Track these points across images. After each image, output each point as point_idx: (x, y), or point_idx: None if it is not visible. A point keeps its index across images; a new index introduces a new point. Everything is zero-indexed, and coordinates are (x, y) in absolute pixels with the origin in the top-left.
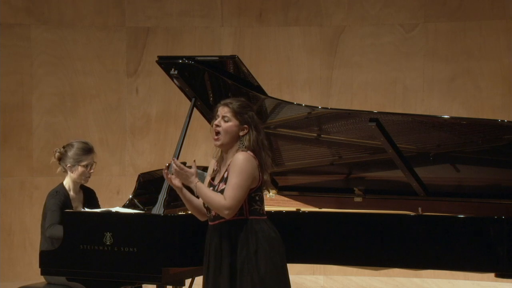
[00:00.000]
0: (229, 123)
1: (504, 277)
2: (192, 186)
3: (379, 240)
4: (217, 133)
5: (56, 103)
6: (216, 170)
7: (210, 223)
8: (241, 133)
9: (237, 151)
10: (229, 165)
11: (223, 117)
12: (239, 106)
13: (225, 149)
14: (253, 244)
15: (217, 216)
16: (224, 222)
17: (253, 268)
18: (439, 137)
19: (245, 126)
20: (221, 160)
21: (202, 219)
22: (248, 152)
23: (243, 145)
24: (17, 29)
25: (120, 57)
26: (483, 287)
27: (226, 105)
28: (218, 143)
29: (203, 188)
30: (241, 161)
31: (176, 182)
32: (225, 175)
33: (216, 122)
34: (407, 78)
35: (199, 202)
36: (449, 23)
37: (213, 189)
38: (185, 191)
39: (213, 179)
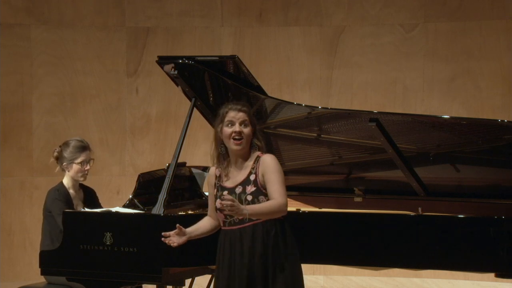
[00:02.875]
0: (248, 128)
1: (504, 277)
2: (245, 213)
3: (379, 240)
4: (240, 138)
5: (56, 103)
6: (222, 176)
7: (235, 227)
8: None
9: (251, 152)
10: (253, 168)
11: (243, 122)
12: (250, 109)
13: (241, 153)
14: (283, 244)
15: (247, 219)
16: (257, 224)
17: (285, 268)
18: (439, 137)
19: (253, 128)
20: (227, 166)
21: (215, 230)
22: (268, 154)
23: (256, 147)
24: (17, 29)
25: (120, 57)
26: (483, 287)
27: (240, 110)
28: (240, 147)
29: (254, 207)
30: (274, 161)
31: (179, 241)
32: (252, 178)
33: (237, 129)
34: (407, 78)
35: (207, 225)
36: (449, 23)
37: (236, 194)
38: (190, 234)
39: (221, 186)
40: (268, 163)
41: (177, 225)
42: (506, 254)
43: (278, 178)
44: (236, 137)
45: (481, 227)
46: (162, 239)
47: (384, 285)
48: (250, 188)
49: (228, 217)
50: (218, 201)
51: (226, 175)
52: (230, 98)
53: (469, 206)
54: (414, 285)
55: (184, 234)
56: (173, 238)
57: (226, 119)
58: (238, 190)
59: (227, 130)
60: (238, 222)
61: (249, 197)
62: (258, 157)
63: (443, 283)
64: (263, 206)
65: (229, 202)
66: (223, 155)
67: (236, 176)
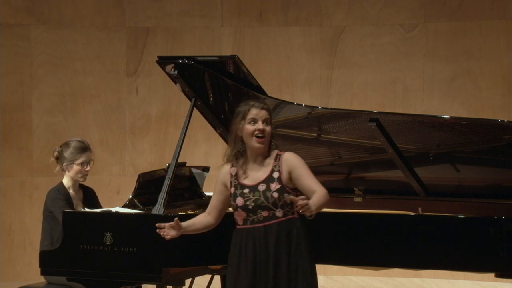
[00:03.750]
0: (269, 127)
1: (504, 277)
2: (313, 209)
3: (379, 240)
4: (262, 136)
5: (56, 103)
6: (239, 174)
7: (259, 224)
8: None
9: (271, 150)
10: (275, 165)
11: (265, 120)
12: (270, 108)
13: (261, 151)
14: (304, 241)
15: (272, 216)
16: (280, 222)
17: (307, 265)
18: (439, 137)
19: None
20: (244, 164)
21: (207, 229)
22: (287, 151)
23: (274, 145)
24: (17, 29)
25: (120, 57)
26: (483, 287)
27: (263, 108)
28: (263, 145)
29: (315, 201)
30: (297, 156)
31: (172, 233)
32: (275, 175)
33: (260, 127)
34: (407, 78)
35: (202, 221)
36: (449, 23)
37: (260, 191)
38: (185, 228)
39: (240, 185)
40: (294, 159)
41: (176, 218)
42: (506, 254)
43: (308, 171)
44: (259, 135)
45: (481, 227)
46: (157, 230)
47: (384, 285)
48: (275, 186)
49: (250, 215)
50: (242, 200)
51: (244, 173)
52: (230, 98)
53: (469, 206)
54: (414, 285)
55: (179, 228)
56: (168, 231)
57: (249, 116)
58: (262, 187)
59: (250, 127)
60: (263, 220)
61: (275, 194)
62: (278, 155)
63: (443, 283)
64: (319, 199)
65: (304, 202)
66: (240, 153)
67: (256, 174)
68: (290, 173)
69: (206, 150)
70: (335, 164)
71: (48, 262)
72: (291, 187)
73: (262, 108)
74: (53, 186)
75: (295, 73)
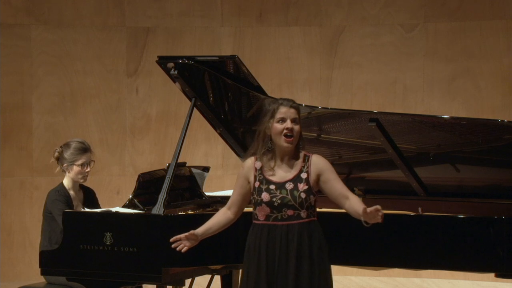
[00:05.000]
0: (298, 126)
1: (504, 277)
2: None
3: (379, 240)
4: (291, 136)
5: (56, 103)
6: (264, 170)
7: (283, 222)
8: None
9: (299, 151)
10: (303, 166)
11: (294, 119)
12: (299, 107)
13: (289, 150)
14: (325, 246)
15: (297, 216)
16: (304, 223)
17: (328, 270)
18: (439, 137)
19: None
20: (271, 160)
21: (228, 226)
22: (315, 154)
23: (301, 145)
24: (17, 29)
25: (120, 57)
26: (483, 287)
27: (292, 106)
28: (292, 145)
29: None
30: (326, 160)
31: (189, 244)
32: (303, 176)
33: (289, 125)
34: (407, 78)
35: (219, 222)
36: (449, 23)
37: (287, 190)
38: (200, 233)
39: (266, 180)
40: (323, 163)
41: (191, 231)
42: (506, 254)
43: (337, 175)
44: (288, 134)
45: (481, 227)
46: (173, 245)
47: (384, 285)
48: (303, 186)
49: (275, 211)
50: (268, 195)
51: (271, 170)
52: (230, 98)
53: (469, 206)
54: (414, 285)
55: (196, 238)
56: (184, 242)
57: (278, 115)
58: (289, 186)
59: (279, 126)
60: (287, 218)
61: (303, 195)
62: (306, 156)
63: (443, 283)
64: (359, 204)
65: (382, 212)
66: (268, 150)
67: (284, 172)
68: (318, 176)
69: (206, 150)
70: (335, 164)
71: (48, 262)
72: (316, 190)
73: (291, 107)
74: (53, 187)
75: (295, 73)
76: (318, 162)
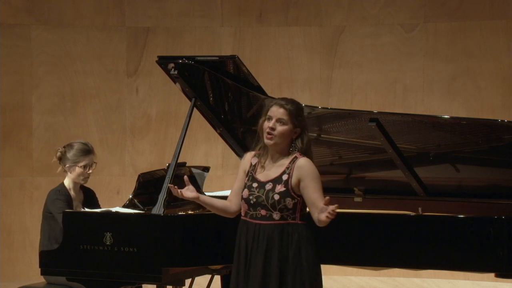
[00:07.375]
0: (285, 127)
1: (504, 277)
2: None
3: (379, 240)
4: (270, 134)
5: (56, 103)
6: (257, 167)
7: (256, 221)
8: (293, 136)
9: (290, 153)
10: (288, 167)
11: (279, 119)
12: (296, 109)
13: (276, 149)
14: (305, 249)
15: (269, 217)
16: (277, 224)
17: (305, 273)
18: (439, 137)
19: (298, 129)
20: (265, 157)
21: (231, 216)
22: (305, 157)
23: (296, 148)
24: (17, 29)
25: (120, 57)
26: (483, 287)
27: (282, 106)
28: (271, 142)
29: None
30: (312, 166)
31: (189, 193)
32: (284, 177)
33: (270, 124)
34: (407, 78)
35: (221, 202)
36: (449, 23)
37: (265, 189)
38: (202, 197)
39: (253, 177)
40: (307, 169)
41: (197, 193)
42: (506, 254)
43: (318, 185)
44: (268, 132)
45: (481, 227)
46: (170, 185)
47: (384, 285)
48: (280, 188)
49: (251, 209)
50: (247, 192)
51: (262, 167)
52: (230, 98)
53: (469, 206)
54: (414, 285)
55: (196, 195)
56: (184, 190)
57: (268, 113)
58: (268, 186)
59: (265, 124)
60: (260, 218)
61: (276, 196)
62: (295, 158)
63: (443, 283)
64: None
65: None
66: (264, 149)
67: (269, 171)
68: (299, 181)
69: (206, 150)
70: (335, 164)
71: (48, 262)
72: (298, 194)
73: (281, 107)
74: (53, 187)
75: (295, 73)
76: (301, 167)
